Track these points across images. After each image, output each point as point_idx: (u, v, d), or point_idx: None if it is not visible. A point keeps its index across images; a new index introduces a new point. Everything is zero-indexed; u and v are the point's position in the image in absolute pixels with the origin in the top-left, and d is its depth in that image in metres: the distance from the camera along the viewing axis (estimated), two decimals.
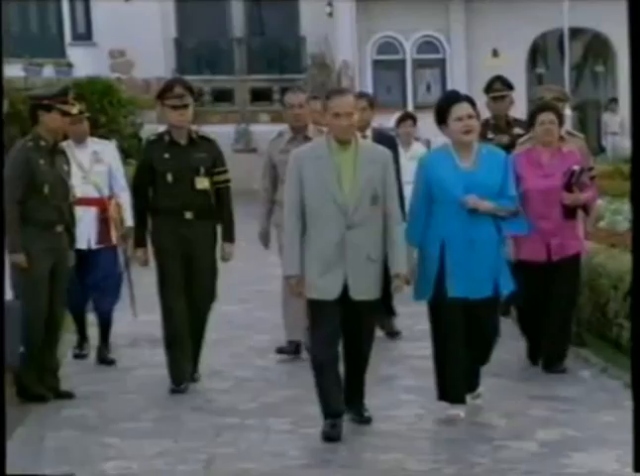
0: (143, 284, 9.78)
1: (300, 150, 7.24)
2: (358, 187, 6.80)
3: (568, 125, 9.34)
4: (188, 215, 8.16)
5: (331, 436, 6.90)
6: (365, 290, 6.93)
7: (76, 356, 9.23)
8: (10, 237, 7.84)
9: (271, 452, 6.94)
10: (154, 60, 30.17)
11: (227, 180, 8.48)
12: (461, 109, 7.18)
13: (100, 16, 30.90)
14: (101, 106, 22.48)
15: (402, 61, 30.74)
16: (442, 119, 7.25)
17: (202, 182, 8.18)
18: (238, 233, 8.84)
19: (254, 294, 8.93)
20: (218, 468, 6.64)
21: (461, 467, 6.34)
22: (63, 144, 9.07)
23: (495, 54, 29.48)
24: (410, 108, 25.71)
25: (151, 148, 8.42)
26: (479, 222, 7.02)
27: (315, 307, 7.03)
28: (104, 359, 9.12)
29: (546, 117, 8.23)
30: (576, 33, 29.25)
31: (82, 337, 9.21)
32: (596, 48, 31.30)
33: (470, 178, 7.00)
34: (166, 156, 8.15)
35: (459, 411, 7.30)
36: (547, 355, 8.68)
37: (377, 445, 6.97)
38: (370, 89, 23.92)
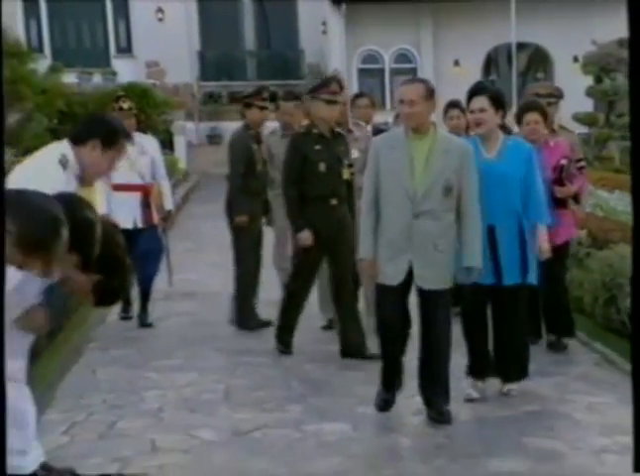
0: (176, 252, 9.85)
1: (378, 138, 6.31)
2: (429, 177, 5.73)
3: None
4: (334, 202, 7.64)
5: (381, 408, 6.06)
6: (431, 278, 5.84)
7: (123, 318, 9.04)
8: (237, 204, 8.52)
9: (278, 384, 7.01)
10: (181, 69, 30.09)
11: (353, 173, 7.96)
12: (474, 103, 6.28)
13: (138, 33, 30.82)
14: (140, 107, 22.42)
15: (382, 70, 30.70)
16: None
17: (346, 173, 7.74)
18: None
19: (268, 256, 8.86)
20: (234, 397, 6.68)
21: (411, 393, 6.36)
22: None
23: (457, 63, 29.40)
24: (388, 108, 25.70)
25: (302, 140, 7.72)
26: (499, 212, 6.09)
27: (380, 291, 6.05)
28: (144, 323, 8.94)
29: (531, 117, 7.42)
30: (521, 46, 29.12)
31: (127, 302, 9.04)
32: (538, 58, 31.20)
33: (491, 168, 6.07)
34: (318, 147, 7.56)
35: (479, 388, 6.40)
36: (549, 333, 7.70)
37: (359, 379, 6.96)
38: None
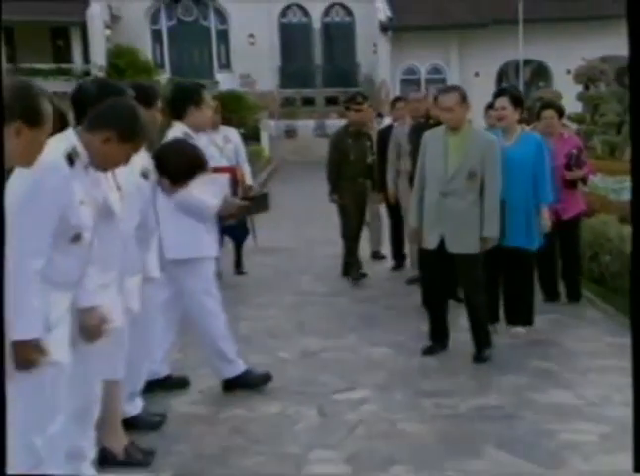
0: (260, 218, 9.86)
1: (428, 133, 6.01)
2: (456, 163, 5.53)
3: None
4: None
5: (425, 353, 5.81)
6: (457, 244, 5.57)
7: (238, 273, 8.97)
8: (333, 185, 8.33)
9: (338, 318, 7.06)
10: (266, 80, 30.15)
11: None
12: (498, 102, 6.14)
13: (235, 53, 30.92)
14: (235, 109, 22.55)
15: (419, 80, 30.41)
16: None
17: None
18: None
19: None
20: (305, 327, 6.76)
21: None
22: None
23: (476, 75, 29.00)
24: None
25: (422, 129, 6.97)
26: (511, 189, 5.80)
27: (423, 254, 5.93)
28: (239, 271, 8.98)
29: (547, 114, 7.15)
30: (527, 62, 28.55)
31: (238, 262, 9.02)
32: (539, 72, 30.57)
33: (509, 153, 5.83)
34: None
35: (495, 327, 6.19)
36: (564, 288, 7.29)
37: (399, 316, 6.97)
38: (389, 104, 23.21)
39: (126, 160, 3.33)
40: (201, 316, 5.09)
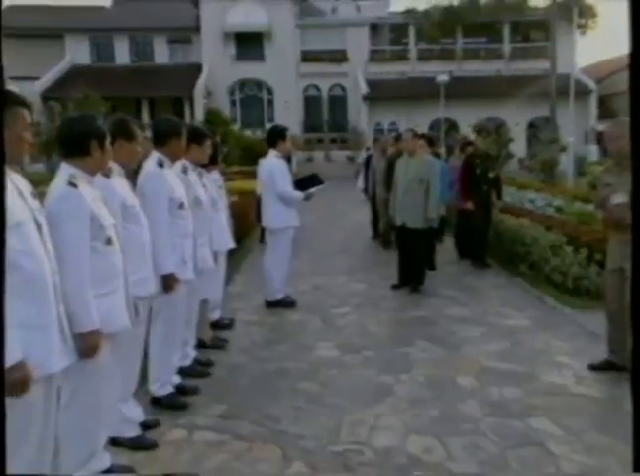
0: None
1: (399, 159, 5.83)
2: (412, 174, 5.45)
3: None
4: None
5: (394, 287, 5.69)
6: (411, 223, 5.48)
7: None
8: (386, 187, 6.99)
9: (334, 265, 6.84)
10: (295, 128, 29.55)
11: None
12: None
13: (277, 112, 30.52)
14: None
15: (383, 129, 29.94)
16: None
17: None
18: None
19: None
20: (315, 270, 6.60)
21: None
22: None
23: (416, 126, 28.55)
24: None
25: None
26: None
27: (396, 230, 5.83)
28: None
29: (469, 149, 6.83)
30: (445, 120, 28.05)
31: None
32: (452, 125, 29.96)
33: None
34: None
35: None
36: (474, 257, 6.73)
37: (374, 264, 6.79)
38: (371, 142, 22.81)
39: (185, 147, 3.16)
40: (270, 264, 5.02)
